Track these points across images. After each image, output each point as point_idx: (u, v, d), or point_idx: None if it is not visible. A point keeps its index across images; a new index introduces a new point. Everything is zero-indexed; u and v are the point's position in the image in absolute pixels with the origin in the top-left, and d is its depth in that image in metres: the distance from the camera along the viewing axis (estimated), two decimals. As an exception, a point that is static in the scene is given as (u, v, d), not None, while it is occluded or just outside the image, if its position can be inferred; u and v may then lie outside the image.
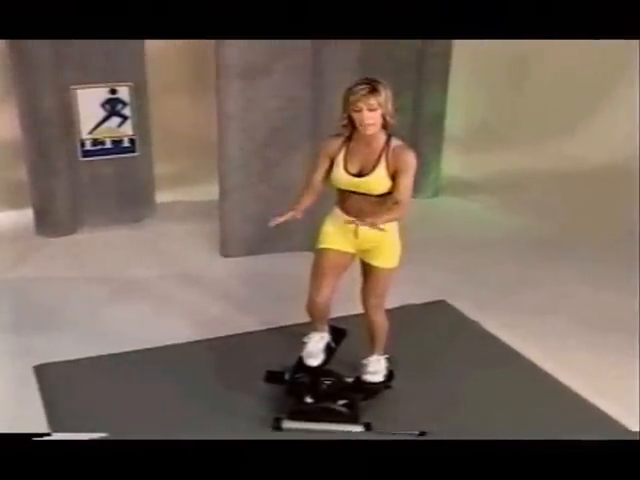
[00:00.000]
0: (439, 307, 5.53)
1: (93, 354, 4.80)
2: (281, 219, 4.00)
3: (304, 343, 4.29)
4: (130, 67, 6.64)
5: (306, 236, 6.27)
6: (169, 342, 4.94)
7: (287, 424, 4.12)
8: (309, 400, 4.16)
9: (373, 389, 4.30)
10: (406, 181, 3.84)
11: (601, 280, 5.99)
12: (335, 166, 3.95)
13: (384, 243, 4.06)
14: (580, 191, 7.97)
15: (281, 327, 5.17)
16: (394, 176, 3.85)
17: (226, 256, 6.36)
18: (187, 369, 4.69)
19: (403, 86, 7.26)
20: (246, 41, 5.69)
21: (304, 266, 5.84)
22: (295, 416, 4.15)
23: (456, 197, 7.77)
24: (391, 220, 3.91)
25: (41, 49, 6.17)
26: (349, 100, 3.79)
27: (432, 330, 5.19)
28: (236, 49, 5.77)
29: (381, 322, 4.31)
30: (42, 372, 4.60)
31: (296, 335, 4.80)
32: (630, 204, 7.52)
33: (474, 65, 8.24)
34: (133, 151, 6.85)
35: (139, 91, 6.73)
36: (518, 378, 4.69)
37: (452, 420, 4.21)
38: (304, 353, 4.26)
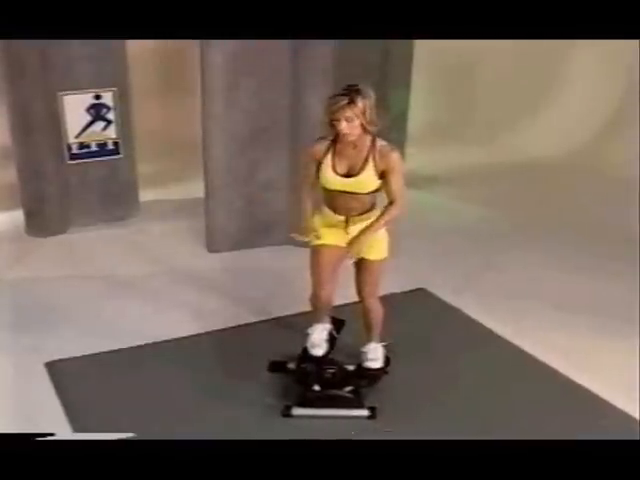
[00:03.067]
0: (420, 295, 5.58)
1: (98, 350, 4.73)
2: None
3: (307, 334, 4.31)
4: (113, 73, 6.52)
5: (287, 231, 6.29)
6: (172, 336, 4.90)
7: (297, 411, 4.13)
8: (317, 388, 4.17)
9: (374, 375, 4.34)
10: (396, 180, 3.90)
11: (565, 264, 6.09)
12: (324, 168, 3.94)
13: (374, 237, 4.08)
14: (532, 181, 8.12)
15: (277, 318, 5.17)
16: (383, 175, 3.89)
17: (213, 251, 6.31)
18: (192, 361, 4.67)
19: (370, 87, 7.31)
20: (229, 44, 5.65)
21: (287, 259, 5.93)
22: (304, 403, 4.16)
23: (420, 190, 7.80)
24: (390, 221, 4.00)
25: (30, 57, 6.05)
26: (329, 110, 3.79)
27: (417, 317, 5.22)
28: (220, 52, 5.72)
29: (376, 309, 4.34)
30: (54, 368, 4.53)
31: (292, 325, 4.87)
32: (580, 192, 7.70)
33: (423, 66, 8.27)
34: (117, 153, 6.74)
35: (122, 96, 6.63)
36: (506, 361, 4.78)
37: (449, 402, 4.31)
38: (308, 344, 4.28)
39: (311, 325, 4.33)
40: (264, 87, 5.94)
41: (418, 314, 5.29)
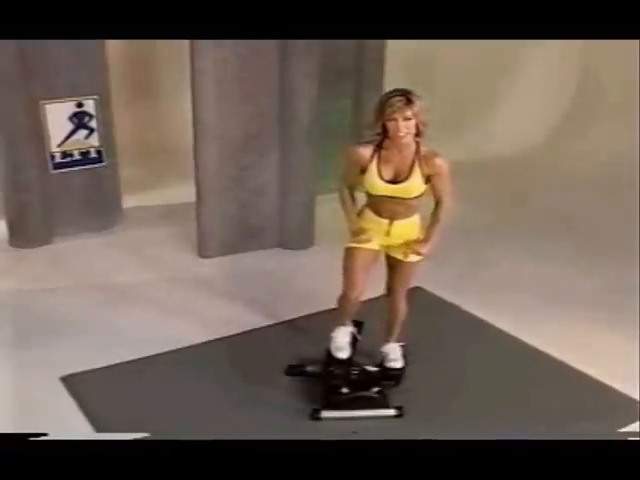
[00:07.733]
0: (418, 293, 5.50)
1: (108, 361, 4.58)
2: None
3: (332, 338, 4.26)
4: (95, 80, 6.33)
5: (276, 234, 6.24)
6: (182, 344, 4.78)
7: (325, 413, 4.08)
8: (345, 390, 4.12)
9: (399, 375, 4.31)
10: (444, 184, 3.87)
11: (548, 257, 6.19)
12: (368, 174, 3.85)
13: (412, 239, 4.06)
14: (497, 178, 8.20)
15: (284, 322, 5.11)
16: (429, 180, 3.84)
17: (204, 257, 6.18)
18: (210, 368, 4.57)
19: (344, 90, 7.30)
20: (219, 50, 5.55)
21: (280, 262, 5.88)
22: (332, 405, 4.12)
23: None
24: (444, 222, 4.00)
25: (11, 66, 5.83)
26: (385, 111, 3.68)
27: (419, 316, 5.16)
28: (210, 58, 5.61)
29: (403, 309, 4.36)
30: (71, 382, 4.37)
31: (301, 328, 4.86)
32: (544, 188, 7.82)
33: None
34: (100, 161, 6.55)
35: (104, 103, 6.44)
36: (512, 355, 4.82)
37: (464, 399, 4.32)
38: (333, 347, 4.23)
39: (333, 328, 4.28)
40: (253, 92, 5.85)
41: (419, 312, 5.23)
